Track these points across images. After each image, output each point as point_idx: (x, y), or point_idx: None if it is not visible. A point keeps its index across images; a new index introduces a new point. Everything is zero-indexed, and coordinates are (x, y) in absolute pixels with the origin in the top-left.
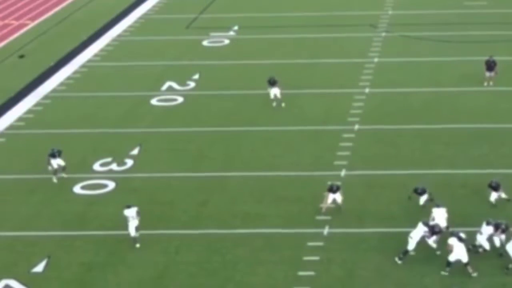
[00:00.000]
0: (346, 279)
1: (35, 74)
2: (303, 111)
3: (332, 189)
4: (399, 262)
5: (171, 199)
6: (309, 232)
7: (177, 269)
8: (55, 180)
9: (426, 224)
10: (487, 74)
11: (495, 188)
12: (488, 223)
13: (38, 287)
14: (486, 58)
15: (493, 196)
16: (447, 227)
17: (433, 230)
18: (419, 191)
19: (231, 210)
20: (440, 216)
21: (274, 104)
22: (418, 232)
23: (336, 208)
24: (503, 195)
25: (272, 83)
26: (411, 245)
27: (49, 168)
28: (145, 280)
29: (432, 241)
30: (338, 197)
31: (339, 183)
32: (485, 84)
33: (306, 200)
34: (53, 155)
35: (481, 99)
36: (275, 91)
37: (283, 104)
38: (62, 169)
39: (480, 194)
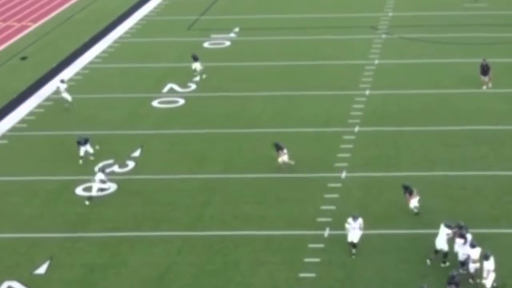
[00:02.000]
0: (347, 280)
1: (37, 76)
2: (304, 113)
3: (277, 147)
4: (443, 265)
5: (172, 200)
6: (310, 234)
7: (178, 270)
8: (80, 162)
9: (448, 226)
10: (482, 78)
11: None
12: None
13: None
14: (480, 61)
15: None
16: None
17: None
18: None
19: (233, 211)
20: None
21: (196, 76)
22: (441, 236)
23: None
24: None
25: (195, 59)
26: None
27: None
28: (147, 281)
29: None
30: (285, 156)
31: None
32: (484, 87)
33: (307, 201)
34: (79, 143)
35: (481, 100)
36: (196, 65)
37: (204, 76)
38: (92, 155)
39: (479, 196)
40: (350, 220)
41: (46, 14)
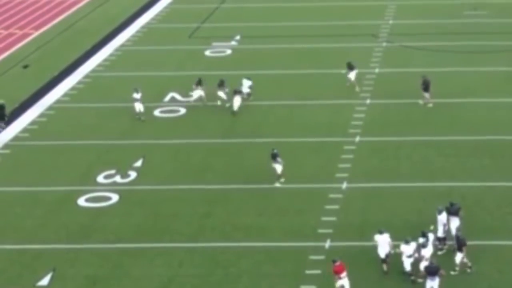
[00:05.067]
0: None
1: (39, 85)
2: (305, 122)
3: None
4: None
5: (174, 211)
6: (311, 246)
7: (180, 282)
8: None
9: (440, 210)
10: (424, 93)
11: None
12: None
13: None
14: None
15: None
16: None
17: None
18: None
19: (234, 223)
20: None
21: None
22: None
23: None
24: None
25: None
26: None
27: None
28: None
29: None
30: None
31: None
32: (420, 101)
33: (308, 212)
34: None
35: (482, 110)
36: None
37: None
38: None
39: (479, 206)
40: (376, 236)
41: (48, 21)
